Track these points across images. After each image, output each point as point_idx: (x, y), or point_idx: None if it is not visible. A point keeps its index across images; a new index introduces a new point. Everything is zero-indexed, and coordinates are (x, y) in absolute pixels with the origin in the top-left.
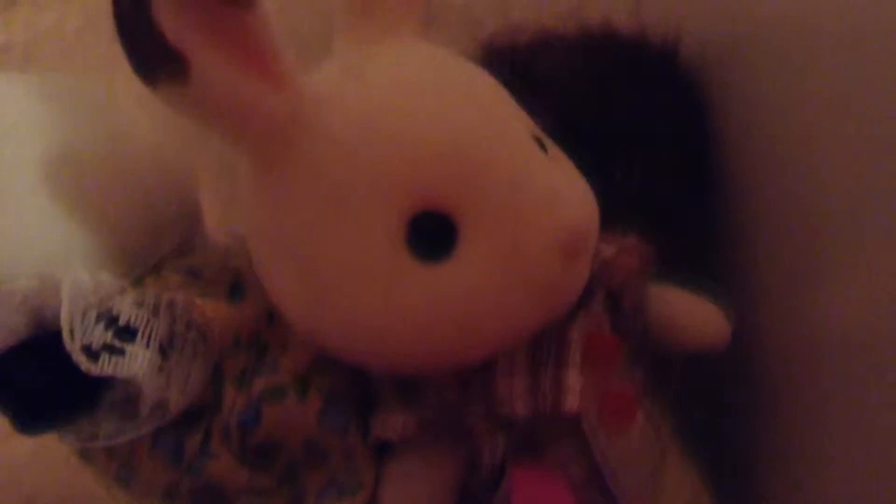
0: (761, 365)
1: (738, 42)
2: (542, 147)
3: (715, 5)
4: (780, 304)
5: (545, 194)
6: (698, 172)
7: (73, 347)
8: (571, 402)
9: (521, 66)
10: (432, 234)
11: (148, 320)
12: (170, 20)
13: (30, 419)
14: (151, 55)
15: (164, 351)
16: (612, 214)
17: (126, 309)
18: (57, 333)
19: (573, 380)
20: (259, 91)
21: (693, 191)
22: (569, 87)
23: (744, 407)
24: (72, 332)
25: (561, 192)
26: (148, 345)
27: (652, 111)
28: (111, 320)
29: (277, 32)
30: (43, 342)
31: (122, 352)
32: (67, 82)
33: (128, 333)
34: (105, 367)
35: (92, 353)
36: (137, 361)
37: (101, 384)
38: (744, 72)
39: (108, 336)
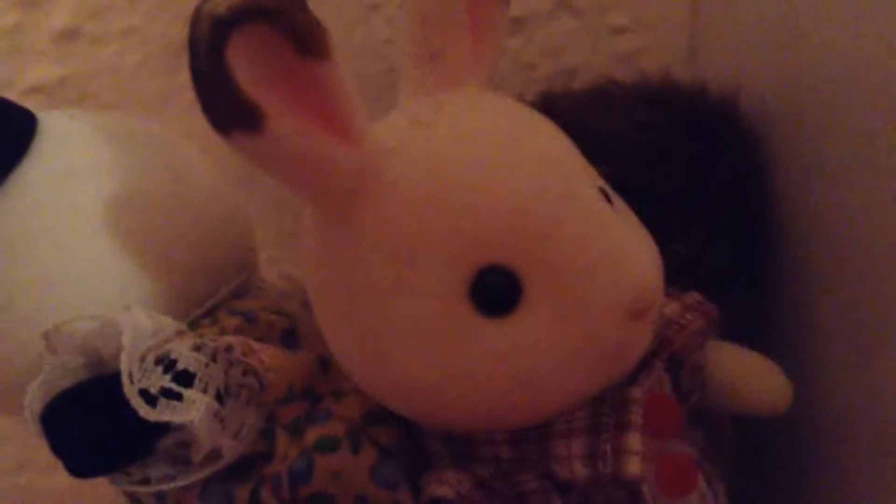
0: (821, 434)
1: (799, 99)
2: (608, 200)
3: (772, 55)
4: (842, 371)
5: (613, 253)
6: (757, 231)
7: (131, 392)
8: (633, 467)
9: (579, 116)
10: (496, 288)
11: (206, 365)
12: (245, 73)
13: (83, 462)
14: (227, 107)
15: (220, 397)
16: (671, 272)
17: (185, 353)
18: (114, 376)
19: (635, 443)
20: (330, 143)
21: (751, 249)
22: (626, 140)
23: (799, 477)
24: (130, 375)
25: (628, 250)
26: (205, 391)
27: (711, 168)
28: (169, 364)
29: (350, 83)
30: (99, 384)
31: (179, 397)
32: (129, 122)
33: (185, 378)
34: (162, 412)
35: (149, 398)
36: (194, 407)
37: (156, 429)
38: (804, 125)
39: (166, 381)
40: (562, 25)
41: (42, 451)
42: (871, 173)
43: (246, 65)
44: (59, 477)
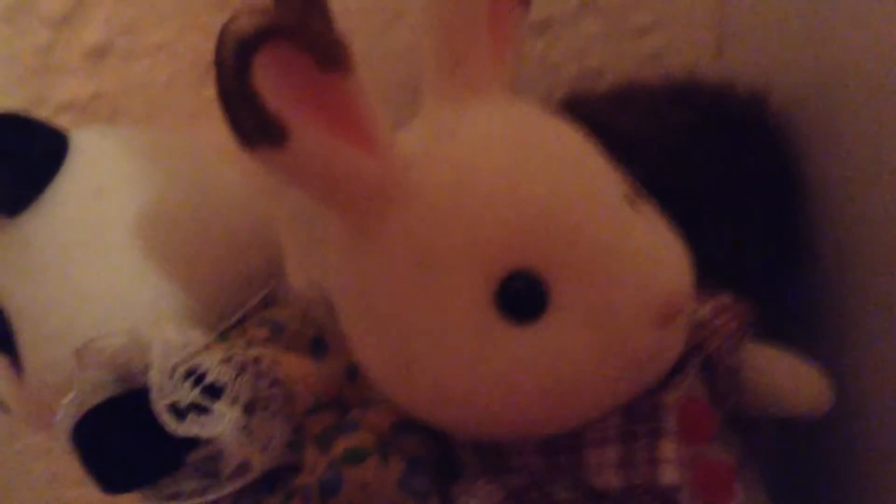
0: (862, 435)
1: (830, 95)
2: (635, 204)
3: (802, 51)
4: (882, 370)
5: (639, 256)
6: (790, 228)
7: (161, 407)
8: (668, 474)
9: (603, 119)
10: (522, 294)
11: (234, 378)
12: (270, 89)
13: (114, 478)
14: (252, 124)
15: (248, 410)
16: (702, 274)
17: (213, 367)
18: (143, 391)
19: (669, 450)
20: (354, 155)
21: (783, 249)
22: (653, 140)
23: (844, 478)
24: (160, 390)
25: (656, 253)
26: (233, 403)
27: (741, 165)
28: (198, 378)
29: (373, 96)
30: (129, 399)
31: (207, 410)
32: (157, 137)
33: (214, 391)
34: (191, 426)
35: (178, 412)
36: (223, 421)
37: (186, 443)
38: (834, 121)
39: (195, 394)
40: (586, 27)
41: (74, 464)
42: None
43: (270, 82)
44: (92, 489)
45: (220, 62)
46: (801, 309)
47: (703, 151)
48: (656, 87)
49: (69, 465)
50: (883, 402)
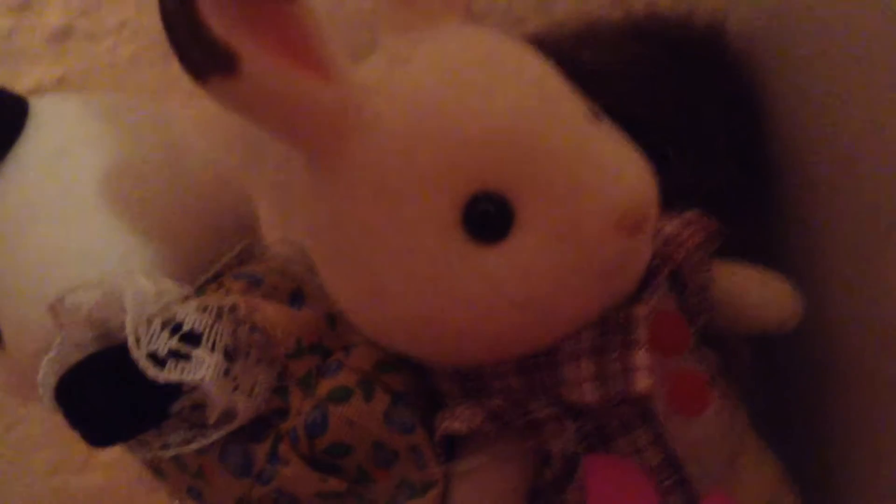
0: (829, 348)
1: (786, 21)
2: (596, 120)
3: None
4: (846, 284)
5: (602, 169)
6: (751, 154)
7: (140, 355)
8: (642, 382)
9: (567, 53)
10: (488, 214)
11: (212, 325)
12: (216, 15)
13: (101, 432)
14: (201, 52)
15: (229, 356)
16: (668, 201)
17: (190, 315)
18: (123, 345)
19: (642, 358)
20: (308, 83)
21: (747, 173)
22: (615, 73)
23: (813, 391)
24: (137, 339)
25: (617, 163)
26: (213, 349)
27: (700, 94)
28: (176, 327)
29: (324, 24)
30: (109, 354)
31: (187, 357)
32: (118, 99)
33: (193, 339)
34: (171, 372)
35: (158, 360)
36: (203, 366)
37: (170, 394)
38: (793, 51)
39: (174, 342)
40: None
41: (74, 452)
42: (858, 86)
43: (216, 9)
44: (93, 476)
45: None
46: (769, 228)
47: (665, 83)
48: (618, 23)
49: (69, 454)
50: (845, 320)
